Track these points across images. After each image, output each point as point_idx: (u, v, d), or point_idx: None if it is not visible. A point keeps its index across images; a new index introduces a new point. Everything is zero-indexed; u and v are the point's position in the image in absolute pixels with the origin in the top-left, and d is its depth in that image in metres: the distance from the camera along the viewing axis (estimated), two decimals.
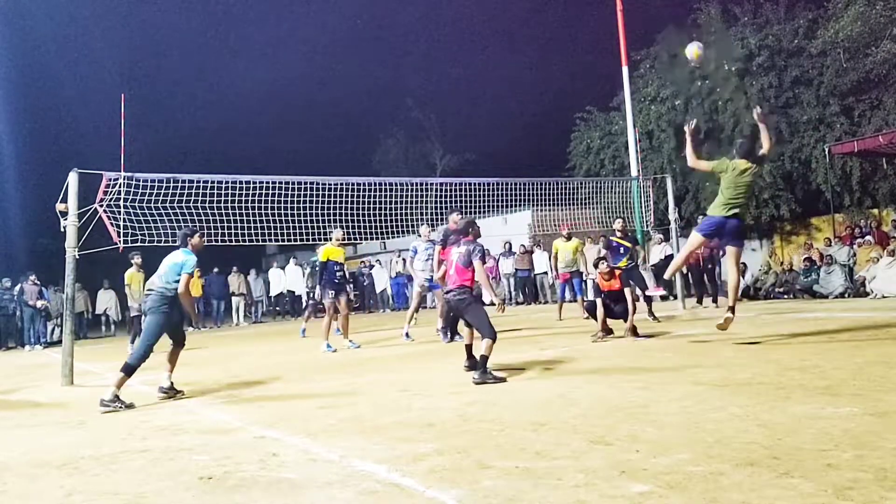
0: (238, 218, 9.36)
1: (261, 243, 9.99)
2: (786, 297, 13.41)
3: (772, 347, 6.42)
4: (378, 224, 11.17)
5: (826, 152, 16.01)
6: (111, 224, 7.97)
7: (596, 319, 8.33)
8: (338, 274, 9.26)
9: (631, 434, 3.49)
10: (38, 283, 15.65)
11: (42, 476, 3.56)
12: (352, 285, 15.37)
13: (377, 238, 13.00)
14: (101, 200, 7.86)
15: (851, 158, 16.03)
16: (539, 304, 18.02)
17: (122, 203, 8.10)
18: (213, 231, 8.86)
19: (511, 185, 12.08)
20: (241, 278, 20.07)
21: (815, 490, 2.50)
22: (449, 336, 9.00)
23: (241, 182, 9.30)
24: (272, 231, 9.90)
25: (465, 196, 11.41)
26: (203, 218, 8.83)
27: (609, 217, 13.21)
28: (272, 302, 22.45)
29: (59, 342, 8.47)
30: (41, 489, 3.32)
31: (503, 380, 5.52)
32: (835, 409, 3.72)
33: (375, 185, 11.30)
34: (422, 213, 11.46)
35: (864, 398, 3.91)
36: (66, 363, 7.40)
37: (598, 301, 8.37)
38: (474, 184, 11.63)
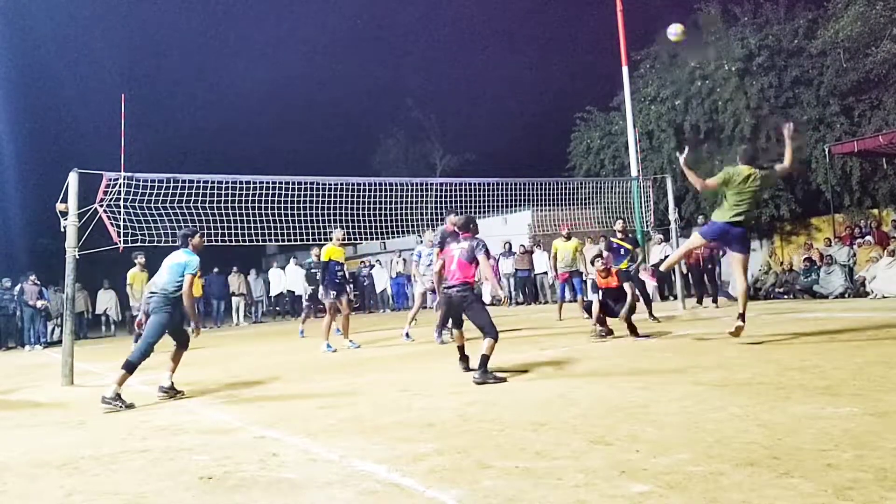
0: (238, 218, 9.36)
1: (261, 243, 9.99)
2: (786, 297, 13.41)
3: (772, 347, 6.42)
4: (378, 224, 11.18)
5: (826, 152, 16.00)
6: (111, 224, 7.97)
7: (598, 321, 8.34)
8: (338, 274, 9.27)
9: (631, 434, 3.49)
10: (38, 283, 15.65)
11: (42, 476, 3.56)
12: (352, 285, 15.38)
13: (377, 238, 13.00)
14: (101, 200, 7.86)
15: (851, 158, 16.02)
16: (539, 304, 18.02)
17: (122, 203, 8.10)
18: (213, 231, 8.86)
19: (511, 185, 12.08)
20: (241, 278, 20.08)
21: (815, 490, 2.50)
22: (440, 335, 9.01)
23: (241, 182, 9.30)
24: (272, 231, 9.90)
25: (465, 196, 11.42)
26: (203, 218, 8.84)
27: (609, 217, 13.22)
28: (272, 302, 22.47)
29: (59, 342, 8.47)
30: (41, 489, 3.33)
31: (503, 380, 5.52)
32: (835, 409, 3.72)
33: (375, 185, 11.30)
34: (422, 213, 11.47)
35: (864, 398, 3.91)
36: (66, 363, 7.40)
37: (595, 297, 8.37)
38: (474, 184, 11.64)
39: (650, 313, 10.18)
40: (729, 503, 2.45)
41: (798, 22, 17.36)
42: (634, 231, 12.64)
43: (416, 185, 11.48)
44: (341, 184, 10.41)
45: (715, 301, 12.80)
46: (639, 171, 14.88)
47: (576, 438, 3.50)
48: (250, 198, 9.44)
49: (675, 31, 10.79)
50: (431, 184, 12.07)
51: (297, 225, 9.93)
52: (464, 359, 6.19)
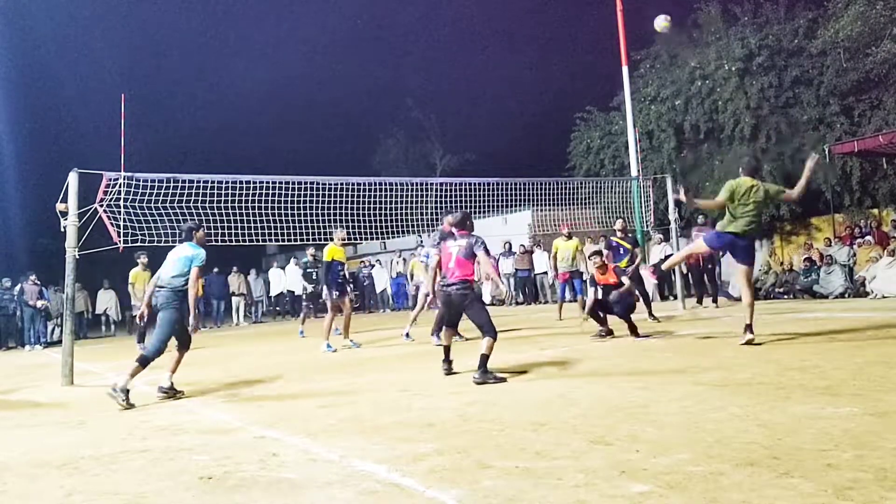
0: (238, 218, 9.37)
1: (261, 243, 9.99)
2: (786, 297, 13.41)
3: (772, 347, 6.42)
4: (378, 224, 11.18)
5: (826, 152, 16.01)
6: (111, 224, 7.97)
7: (597, 320, 8.35)
8: (341, 274, 9.34)
9: (631, 434, 3.49)
10: (38, 283, 15.65)
11: (42, 476, 3.56)
12: (352, 285, 15.40)
13: (377, 238, 13.00)
14: (101, 200, 7.86)
15: (851, 158, 16.02)
16: (539, 304, 18.02)
17: (122, 203, 8.10)
18: (213, 231, 8.86)
19: (511, 185, 12.08)
20: (241, 278, 20.08)
21: (815, 490, 2.50)
22: (438, 336, 9.01)
23: (241, 182, 9.30)
24: (272, 231, 9.90)
25: (465, 196, 11.42)
26: (203, 218, 8.82)
27: (609, 217, 13.22)
28: (272, 302, 22.47)
29: (59, 342, 8.47)
30: (41, 489, 3.33)
31: (503, 380, 5.52)
32: (835, 409, 3.72)
33: (375, 185, 11.30)
34: (422, 213, 11.47)
35: (864, 398, 3.91)
36: (66, 363, 7.40)
37: (591, 291, 8.38)
38: (474, 184, 11.64)
39: (650, 313, 10.18)
40: (729, 503, 2.45)
41: (798, 22, 17.36)
42: (634, 231, 12.65)
43: (416, 185, 11.48)
44: (341, 184, 10.41)
45: (715, 301, 12.79)
46: (639, 171, 14.87)
47: (576, 438, 3.50)
48: (250, 198, 9.44)
49: (661, 22, 10.87)
50: (431, 184, 12.07)
51: (297, 225, 9.93)
52: (447, 361, 6.09)
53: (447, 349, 6.14)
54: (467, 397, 4.91)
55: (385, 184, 11.43)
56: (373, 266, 22.49)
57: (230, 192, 9.18)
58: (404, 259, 20.99)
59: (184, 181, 8.73)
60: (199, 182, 8.88)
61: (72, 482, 3.39)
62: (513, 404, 4.55)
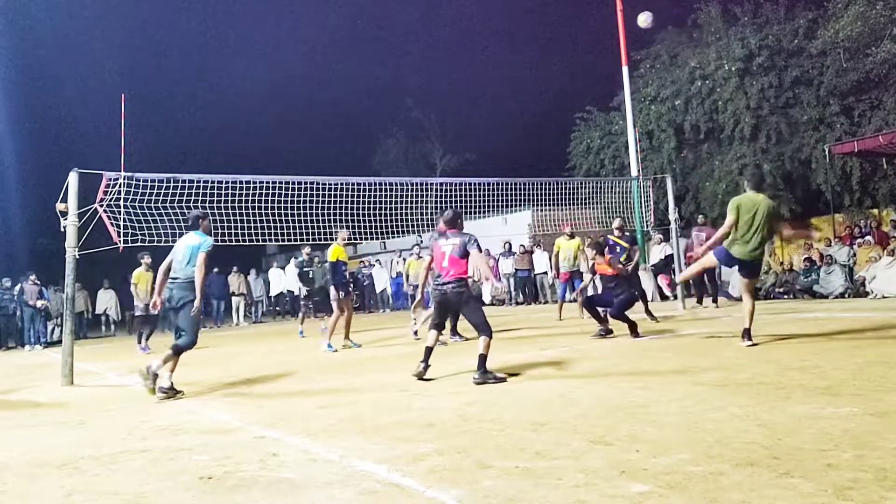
0: (238, 218, 9.36)
1: (261, 243, 9.99)
2: (786, 297, 13.41)
3: (772, 347, 6.42)
4: (378, 224, 11.18)
5: (826, 152, 16.01)
6: (111, 224, 7.97)
7: (596, 318, 8.38)
8: (344, 273, 9.45)
9: (631, 434, 3.49)
10: (38, 283, 15.65)
11: (42, 476, 3.56)
12: (352, 285, 15.41)
13: (377, 238, 13.00)
14: (101, 200, 7.86)
15: (851, 158, 16.03)
16: (539, 304, 18.02)
17: (122, 203, 8.10)
18: (213, 231, 8.85)
19: (511, 185, 12.08)
20: (241, 278, 20.08)
21: (815, 490, 2.50)
22: (456, 335, 9.08)
23: (241, 182, 9.30)
24: (272, 231, 9.90)
25: (465, 196, 11.42)
26: None
27: (609, 217, 13.22)
28: (272, 302, 22.47)
29: (59, 342, 8.47)
30: (41, 489, 3.32)
31: (503, 379, 5.52)
32: (835, 409, 3.72)
33: (375, 185, 11.30)
34: (422, 213, 11.47)
35: (864, 398, 3.91)
36: (66, 363, 7.40)
37: (589, 277, 8.46)
38: (474, 184, 11.63)
39: (647, 311, 10.16)
40: (729, 503, 2.45)
41: (798, 22, 17.37)
42: (633, 230, 12.65)
43: (416, 185, 11.47)
44: (341, 184, 10.41)
45: (715, 301, 12.79)
46: (639, 171, 14.89)
47: (576, 438, 3.50)
48: (250, 198, 9.44)
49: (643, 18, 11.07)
50: (431, 184, 12.07)
51: (297, 225, 9.93)
52: (425, 362, 5.83)
53: (429, 350, 5.91)
54: (467, 397, 4.91)
55: (385, 184, 11.43)
56: (373, 266, 22.50)
57: (230, 192, 9.18)
58: (404, 259, 20.96)
59: (184, 181, 8.73)
60: (199, 182, 8.88)
61: (72, 482, 3.39)
62: (513, 404, 4.55)
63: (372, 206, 10.94)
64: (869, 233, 14.65)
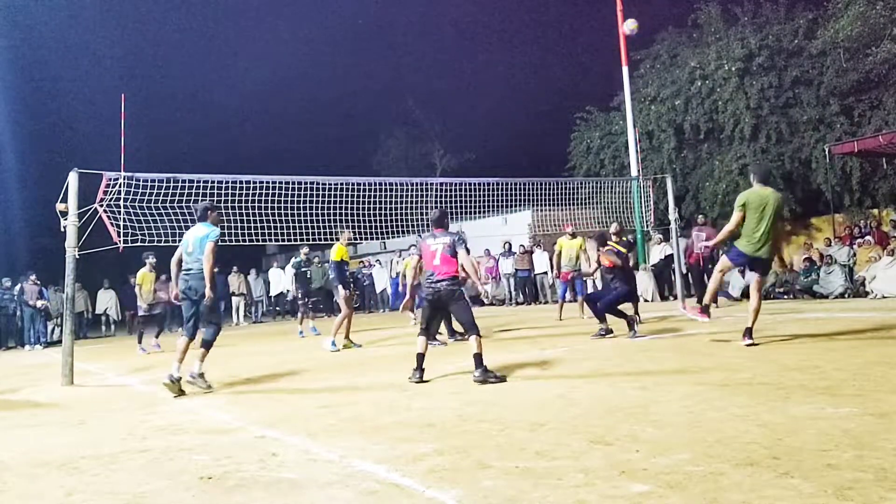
0: (238, 218, 9.37)
1: (261, 243, 10.00)
2: (786, 297, 13.41)
3: (772, 347, 6.42)
4: (378, 224, 11.19)
5: (826, 152, 16.01)
6: (111, 224, 7.97)
7: (597, 318, 8.39)
8: (348, 273, 9.54)
9: (631, 434, 3.49)
10: (38, 283, 15.66)
11: (42, 476, 3.56)
12: (352, 285, 15.43)
13: (377, 238, 13.00)
14: (101, 200, 7.86)
15: (851, 158, 16.03)
16: (539, 304, 18.02)
17: (122, 203, 8.10)
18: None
19: (511, 185, 12.08)
20: (241, 278, 20.08)
21: (815, 490, 2.50)
22: (454, 335, 9.06)
23: (241, 182, 9.30)
24: (272, 231, 9.91)
25: (465, 196, 11.42)
26: None
27: (609, 217, 13.22)
28: (272, 302, 22.47)
29: (59, 342, 8.47)
30: (41, 489, 3.32)
31: (503, 379, 5.52)
32: (835, 409, 3.72)
33: (375, 185, 11.30)
34: (422, 213, 11.46)
35: (864, 398, 3.91)
36: (66, 363, 7.40)
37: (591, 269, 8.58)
38: (474, 184, 11.64)
39: (636, 312, 10.08)
40: (729, 503, 2.45)
41: (798, 22, 17.37)
42: (633, 232, 12.64)
43: (416, 185, 11.48)
44: (341, 184, 10.41)
45: (715, 301, 12.76)
46: (639, 171, 14.90)
47: (576, 438, 3.50)
48: (250, 198, 9.44)
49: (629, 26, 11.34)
50: (431, 184, 12.07)
51: (297, 225, 9.94)
52: (419, 369, 5.82)
53: (421, 357, 5.88)
54: (467, 397, 4.92)
55: (385, 184, 11.43)
56: (373, 266, 22.51)
57: (230, 192, 9.18)
58: (403, 259, 21.00)
59: (184, 181, 8.73)
60: (199, 182, 8.88)
61: (72, 482, 3.39)
62: (513, 404, 4.55)
63: (372, 206, 10.95)
64: (869, 233, 14.65)
